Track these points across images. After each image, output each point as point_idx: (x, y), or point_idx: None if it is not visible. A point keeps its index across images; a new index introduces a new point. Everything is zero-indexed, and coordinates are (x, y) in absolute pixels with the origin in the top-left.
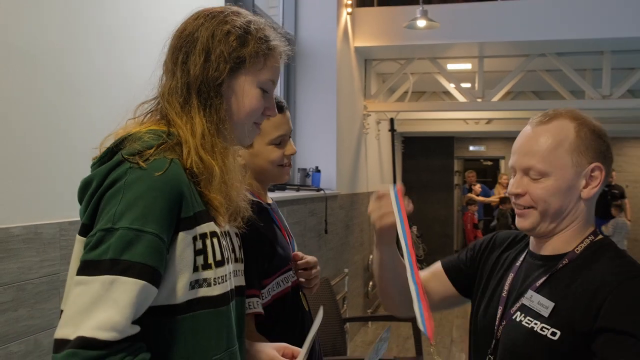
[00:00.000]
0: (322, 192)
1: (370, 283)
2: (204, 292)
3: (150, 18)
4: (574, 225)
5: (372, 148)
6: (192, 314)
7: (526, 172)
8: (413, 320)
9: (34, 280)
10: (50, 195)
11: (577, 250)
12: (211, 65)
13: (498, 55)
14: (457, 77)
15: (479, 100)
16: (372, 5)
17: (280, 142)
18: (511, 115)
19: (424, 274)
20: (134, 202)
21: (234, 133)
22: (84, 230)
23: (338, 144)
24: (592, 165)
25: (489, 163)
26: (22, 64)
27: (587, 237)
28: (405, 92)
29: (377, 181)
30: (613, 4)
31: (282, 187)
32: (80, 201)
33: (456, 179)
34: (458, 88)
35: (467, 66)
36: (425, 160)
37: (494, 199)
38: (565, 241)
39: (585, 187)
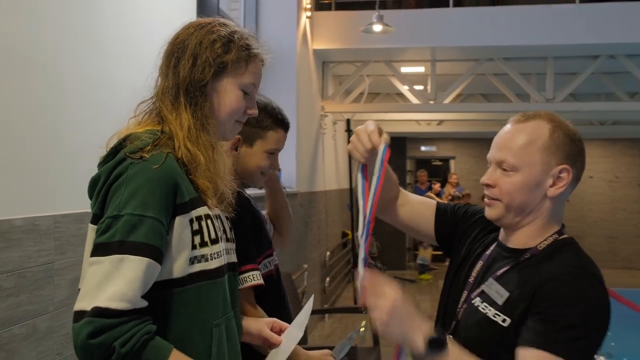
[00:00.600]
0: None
1: (327, 279)
2: (202, 266)
3: (135, 24)
4: (538, 222)
5: (329, 148)
6: (194, 285)
7: (499, 164)
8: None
9: (32, 268)
10: (46, 189)
11: (540, 246)
12: (197, 69)
13: (449, 59)
14: (410, 80)
15: (431, 102)
16: (330, 9)
17: (273, 153)
18: (461, 117)
19: (415, 199)
20: (135, 192)
21: (217, 129)
22: (95, 220)
23: (297, 143)
24: (561, 166)
25: (440, 163)
26: (21, 68)
27: (551, 235)
28: (361, 94)
29: (333, 180)
30: (557, 13)
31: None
32: (90, 196)
33: (408, 178)
34: (411, 90)
35: (420, 69)
36: None
37: (443, 199)
38: (529, 236)
39: (551, 186)
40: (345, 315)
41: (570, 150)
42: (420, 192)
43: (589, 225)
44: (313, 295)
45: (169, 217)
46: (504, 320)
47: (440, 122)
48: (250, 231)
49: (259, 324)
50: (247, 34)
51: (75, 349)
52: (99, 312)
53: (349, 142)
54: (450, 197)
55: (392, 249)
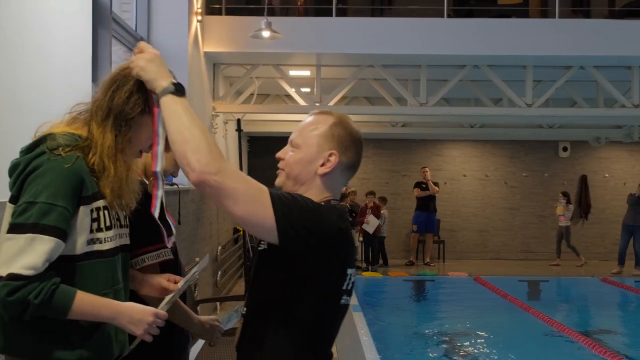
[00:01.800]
0: (175, 186)
1: (219, 272)
2: (97, 247)
3: (37, 25)
4: (310, 193)
5: (220, 147)
6: (88, 262)
7: (291, 142)
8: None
9: None
10: None
11: None
12: (129, 104)
13: (334, 64)
14: (297, 83)
15: (317, 104)
16: (220, 14)
17: None
18: None
19: None
20: (49, 184)
21: (134, 152)
22: (13, 200)
23: None
24: (331, 151)
25: None
26: None
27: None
28: (251, 95)
29: None
30: (428, 26)
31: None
32: (10, 176)
33: None
34: (299, 92)
35: (306, 73)
36: (270, 159)
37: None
38: None
39: (321, 166)
40: (236, 304)
41: (343, 141)
42: None
43: (463, 220)
44: (208, 255)
45: (75, 206)
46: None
47: None
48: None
49: (159, 277)
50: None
51: None
52: (14, 277)
53: (239, 140)
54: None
55: None
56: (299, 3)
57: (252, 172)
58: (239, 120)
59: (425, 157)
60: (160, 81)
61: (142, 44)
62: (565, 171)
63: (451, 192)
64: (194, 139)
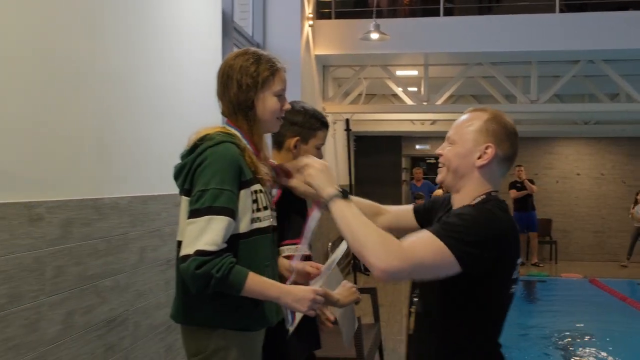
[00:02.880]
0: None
1: None
2: (257, 225)
3: (176, 43)
4: (469, 186)
5: (329, 146)
6: (253, 238)
7: (447, 139)
8: (372, 291)
9: (115, 236)
10: (124, 177)
11: (472, 203)
12: (242, 92)
13: (441, 63)
14: (405, 82)
15: (425, 103)
16: (330, 18)
17: (319, 148)
18: (453, 117)
19: (394, 208)
20: (215, 173)
21: (264, 126)
22: (186, 193)
23: None
24: (486, 144)
25: (433, 161)
26: (108, 83)
27: (480, 195)
28: (359, 95)
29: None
30: (539, 21)
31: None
32: (176, 178)
33: (404, 175)
34: (406, 92)
35: (414, 72)
36: (376, 157)
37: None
38: (464, 198)
39: (479, 158)
40: None
41: (499, 135)
42: (416, 189)
43: (577, 220)
44: (344, 241)
45: (238, 190)
46: None
47: (434, 121)
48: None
49: (303, 263)
50: (267, 55)
51: (185, 280)
52: (200, 253)
53: (348, 139)
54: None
55: None
56: (404, 3)
57: (358, 170)
58: (347, 120)
59: (537, 155)
60: (328, 189)
61: (308, 160)
62: None
63: (563, 191)
64: (367, 239)
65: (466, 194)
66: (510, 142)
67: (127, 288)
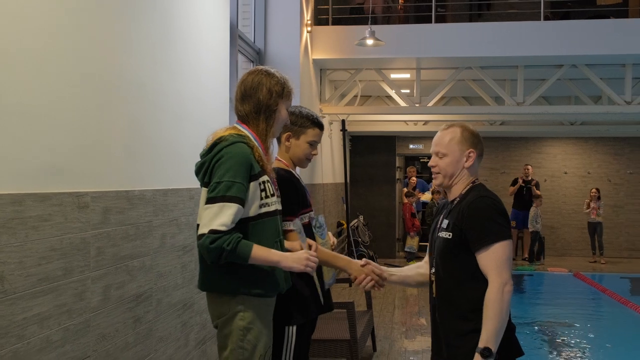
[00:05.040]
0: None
1: None
2: (266, 209)
3: (194, 51)
4: (461, 181)
5: (326, 146)
6: (262, 220)
7: (437, 154)
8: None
9: (142, 223)
10: (148, 172)
11: (462, 192)
12: (272, 99)
13: (433, 67)
14: (398, 85)
15: (417, 104)
16: (327, 24)
17: (312, 144)
18: (445, 117)
19: (425, 258)
20: (229, 168)
21: (277, 130)
22: (206, 185)
23: None
24: (469, 150)
25: (426, 160)
26: (141, 95)
27: (467, 186)
28: (355, 97)
29: (330, 175)
30: (525, 28)
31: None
32: (197, 174)
33: (398, 174)
34: (399, 94)
35: (406, 76)
36: (370, 156)
37: (427, 195)
38: (458, 190)
39: (466, 161)
40: (338, 286)
41: (472, 140)
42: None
43: (564, 217)
44: (322, 214)
45: (248, 182)
46: (449, 235)
47: (426, 122)
48: (293, 196)
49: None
50: (285, 77)
51: (202, 253)
52: (213, 232)
53: (344, 139)
54: (431, 191)
55: (383, 239)
56: (398, 10)
57: (353, 169)
58: (343, 121)
59: (525, 155)
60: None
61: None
62: None
63: (552, 189)
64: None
65: (459, 187)
66: (480, 143)
67: (151, 269)
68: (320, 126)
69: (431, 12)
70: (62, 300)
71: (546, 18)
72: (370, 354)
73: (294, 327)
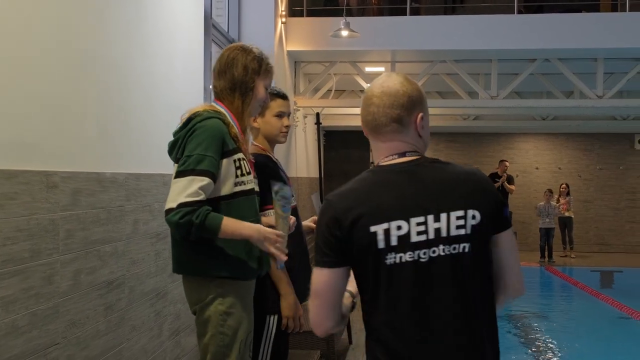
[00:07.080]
0: None
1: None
2: (241, 188)
3: (171, 35)
4: None
5: (300, 139)
6: (237, 199)
7: None
8: None
9: (113, 208)
10: (121, 155)
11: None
12: (248, 76)
13: (407, 60)
14: (373, 78)
15: None
16: (302, 15)
17: (280, 115)
18: None
19: None
20: (201, 142)
21: (253, 110)
22: (177, 160)
23: None
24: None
25: None
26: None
27: None
28: (329, 90)
29: (304, 168)
30: (499, 22)
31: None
32: (170, 152)
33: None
34: None
35: (381, 69)
36: (344, 151)
37: None
38: None
39: None
40: None
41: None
42: None
43: (535, 212)
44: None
45: (220, 157)
46: None
47: None
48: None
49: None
50: (263, 53)
51: (171, 229)
52: (182, 205)
53: (318, 133)
54: None
55: None
56: (373, 3)
57: (328, 163)
58: (317, 114)
59: (497, 151)
60: None
61: None
62: None
63: (523, 184)
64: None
65: None
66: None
67: (123, 255)
68: (282, 96)
69: (406, 4)
70: (29, 284)
71: (520, 12)
72: (346, 347)
73: (275, 317)
